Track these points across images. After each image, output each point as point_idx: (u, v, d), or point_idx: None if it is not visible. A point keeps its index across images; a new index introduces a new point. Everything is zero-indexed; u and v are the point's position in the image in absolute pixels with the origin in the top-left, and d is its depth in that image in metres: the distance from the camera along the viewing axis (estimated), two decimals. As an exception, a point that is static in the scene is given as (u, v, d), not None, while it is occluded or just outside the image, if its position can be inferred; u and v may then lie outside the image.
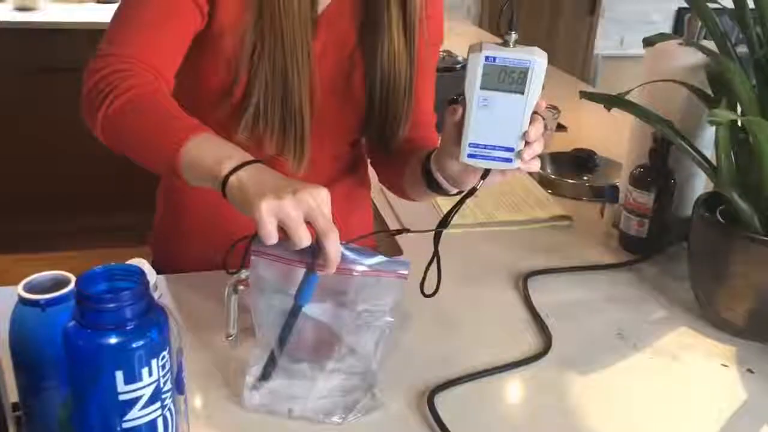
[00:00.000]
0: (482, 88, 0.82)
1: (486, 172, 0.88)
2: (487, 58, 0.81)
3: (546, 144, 0.88)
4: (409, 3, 1.00)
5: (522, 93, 0.81)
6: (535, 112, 0.84)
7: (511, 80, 0.81)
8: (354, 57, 1.04)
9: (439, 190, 0.97)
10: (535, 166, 0.87)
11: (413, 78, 1.05)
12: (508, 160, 0.85)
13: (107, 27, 0.93)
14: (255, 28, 0.95)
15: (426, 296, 0.91)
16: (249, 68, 0.96)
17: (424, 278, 0.91)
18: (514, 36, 0.82)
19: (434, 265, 0.90)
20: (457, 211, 0.92)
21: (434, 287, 0.90)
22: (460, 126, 0.85)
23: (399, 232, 0.96)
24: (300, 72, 0.96)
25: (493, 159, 0.85)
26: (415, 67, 1.05)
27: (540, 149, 0.86)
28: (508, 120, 0.83)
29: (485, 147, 0.84)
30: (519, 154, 0.84)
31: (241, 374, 0.85)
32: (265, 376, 0.83)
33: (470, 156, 0.85)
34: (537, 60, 0.81)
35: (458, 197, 0.93)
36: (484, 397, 0.88)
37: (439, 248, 0.91)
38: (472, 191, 0.91)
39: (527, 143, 0.84)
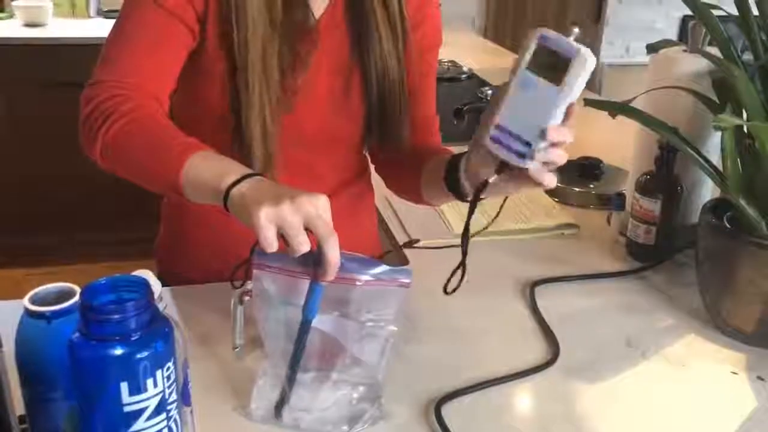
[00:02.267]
0: (527, 68, 0.80)
1: (500, 168, 0.84)
2: (541, 36, 0.80)
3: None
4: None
5: (558, 84, 0.79)
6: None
7: (554, 68, 0.79)
8: (350, 64, 1.04)
9: (457, 188, 0.94)
10: (549, 179, 0.82)
11: (404, 75, 1.05)
12: (522, 156, 0.81)
13: (101, 51, 0.94)
14: None
15: (447, 293, 0.88)
16: None
17: (450, 278, 0.88)
18: (576, 30, 0.80)
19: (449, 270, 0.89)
20: (473, 211, 0.88)
21: (454, 287, 0.88)
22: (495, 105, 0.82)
23: (409, 244, 0.94)
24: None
25: (510, 151, 0.82)
26: (404, 65, 1.05)
27: (557, 159, 0.81)
28: (536, 111, 0.80)
29: (509, 134, 0.81)
30: (533, 155, 0.80)
31: (248, 385, 0.85)
32: (283, 401, 0.82)
33: (491, 138, 0.83)
34: (584, 56, 0.78)
35: (467, 206, 0.91)
36: (492, 407, 0.88)
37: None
38: (484, 184, 0.87)
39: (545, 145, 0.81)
